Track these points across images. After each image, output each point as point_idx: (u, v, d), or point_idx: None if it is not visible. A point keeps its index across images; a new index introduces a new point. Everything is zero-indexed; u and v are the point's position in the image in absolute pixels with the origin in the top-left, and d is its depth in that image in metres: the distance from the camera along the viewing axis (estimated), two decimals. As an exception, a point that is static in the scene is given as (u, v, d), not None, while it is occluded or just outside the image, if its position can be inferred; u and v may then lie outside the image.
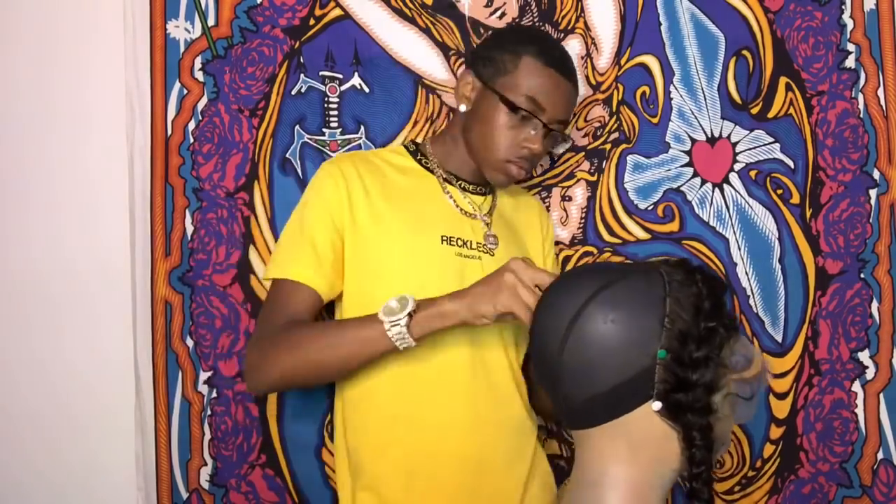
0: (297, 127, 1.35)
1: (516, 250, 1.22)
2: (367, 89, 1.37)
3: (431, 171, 1.20)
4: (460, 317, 1.00)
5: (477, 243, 1.17)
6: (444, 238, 1.14)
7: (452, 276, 1.12)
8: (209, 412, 1.32)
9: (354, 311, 1.10)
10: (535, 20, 1.39)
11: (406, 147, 1.23)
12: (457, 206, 1.18)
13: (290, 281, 1.11)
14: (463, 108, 1.17)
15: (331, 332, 1.05)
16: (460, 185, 1.21)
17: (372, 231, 1.12)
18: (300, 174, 1.34)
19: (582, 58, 1.41)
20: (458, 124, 1.20)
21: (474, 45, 1.32)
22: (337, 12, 1.37)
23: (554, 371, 0.82)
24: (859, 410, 1.45)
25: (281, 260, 1.13)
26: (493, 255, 1.18)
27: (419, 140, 1.32)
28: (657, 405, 0.78)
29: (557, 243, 1.40)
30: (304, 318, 1.09)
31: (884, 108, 1.46)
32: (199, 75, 1.33)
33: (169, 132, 1.33)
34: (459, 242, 1.15)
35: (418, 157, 1.21)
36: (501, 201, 1.27)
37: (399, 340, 1.00)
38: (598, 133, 1.41)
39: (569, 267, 1.40)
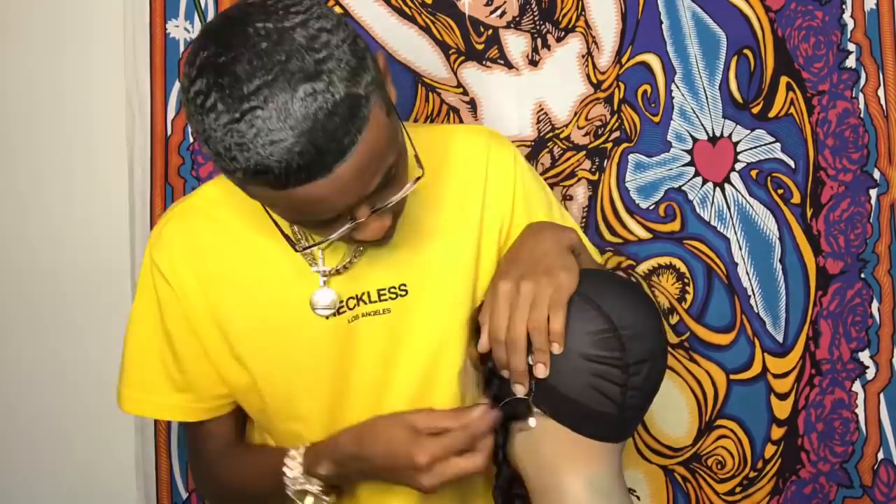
0: (298, 126, 1.35)
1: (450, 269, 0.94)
2: (367, 88, 1.36)
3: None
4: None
5: (367, 293, 0.91)
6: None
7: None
8: (209, 413, 1.31)
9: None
10: (536, 19, 1.39)
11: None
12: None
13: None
14: None
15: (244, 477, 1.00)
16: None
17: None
18: (300, 174, 1.34)
19: (583, 56, 1.40)
20: None
21: None
22: (336, 10, 1.36)
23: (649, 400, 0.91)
24: (860, 410, 1.45)
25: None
26: (407, 294, 0.91)
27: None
28: None
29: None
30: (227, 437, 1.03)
31: (884, 107, 1.46)
32: (199, 74, 1.33)
33: (169, 132, 1.32)
34: (351, 304, 0.91)
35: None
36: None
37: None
38: (600, 132, 1.41)
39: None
